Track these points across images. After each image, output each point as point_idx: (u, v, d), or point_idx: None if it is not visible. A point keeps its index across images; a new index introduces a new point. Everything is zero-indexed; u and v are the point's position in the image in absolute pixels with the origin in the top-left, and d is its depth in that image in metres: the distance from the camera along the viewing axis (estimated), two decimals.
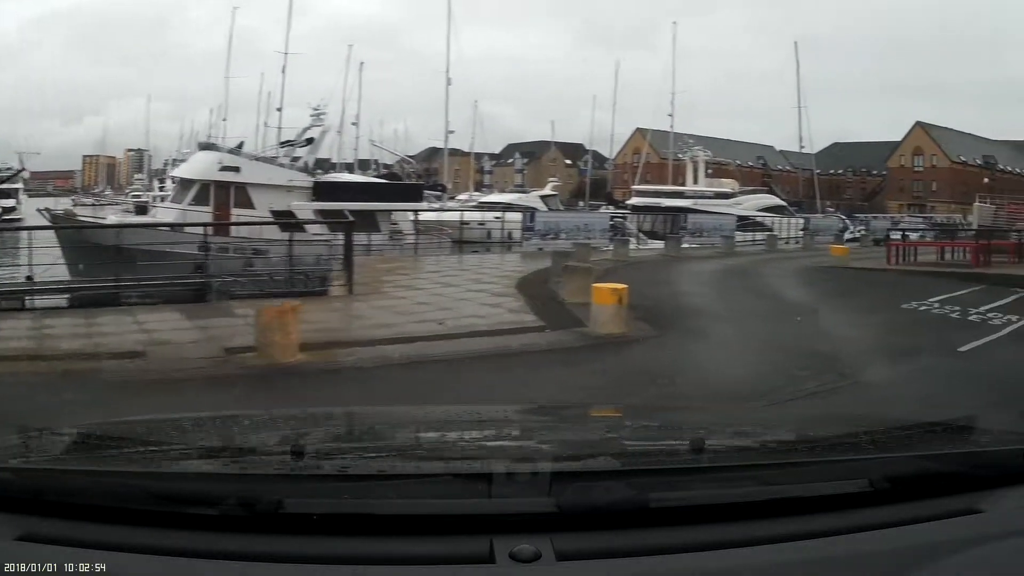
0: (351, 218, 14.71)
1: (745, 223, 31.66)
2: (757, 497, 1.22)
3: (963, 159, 78.75)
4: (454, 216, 27.43)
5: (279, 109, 40.73)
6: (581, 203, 55.72)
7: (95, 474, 1.30)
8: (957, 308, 11.70)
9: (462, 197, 43.14)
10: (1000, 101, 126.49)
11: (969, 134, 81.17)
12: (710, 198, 39.26)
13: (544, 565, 1.07)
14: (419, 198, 26.58)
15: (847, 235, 33.49)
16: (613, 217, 30.09)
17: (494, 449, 1.68)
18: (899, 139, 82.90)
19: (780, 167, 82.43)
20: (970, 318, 10.98)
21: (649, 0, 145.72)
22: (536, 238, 23.97)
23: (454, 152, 62.07)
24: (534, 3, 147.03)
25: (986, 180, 68.51)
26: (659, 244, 24.70)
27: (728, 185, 43.25)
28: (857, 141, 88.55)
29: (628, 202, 43.85)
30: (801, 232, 32.20)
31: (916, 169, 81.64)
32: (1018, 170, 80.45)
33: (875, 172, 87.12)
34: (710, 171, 46.62)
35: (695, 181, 43.87)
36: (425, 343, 8.40)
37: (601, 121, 77.04)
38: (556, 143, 79.58)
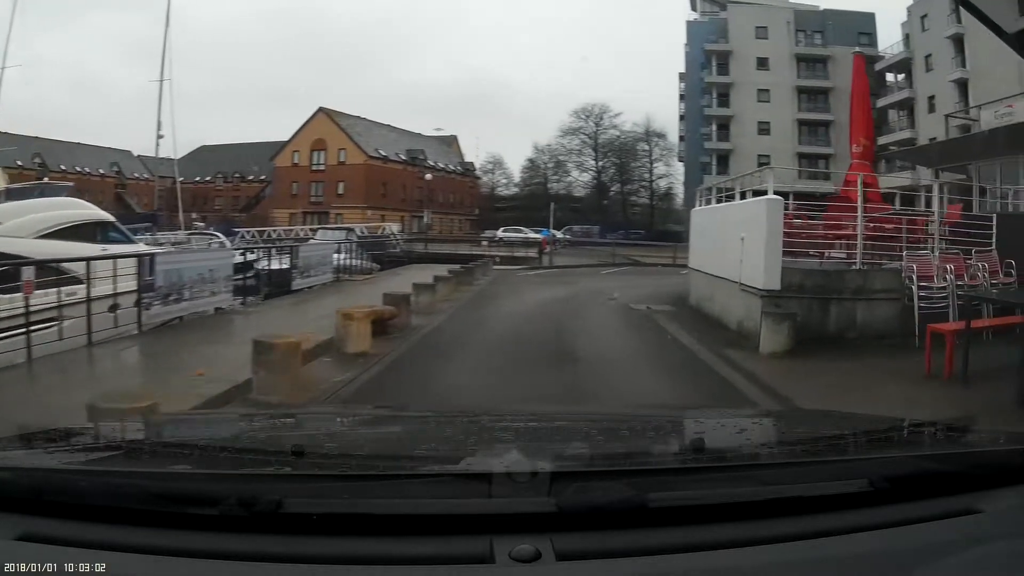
0: None
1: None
2: (757, 497, 1.22)
3: (383, 153, 61.44)
4: None
5: None
6: None
7: (95, 474, 1.30)
8: None
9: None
10: (414, 102, 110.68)
11: (387, 125, 65.05)
12: None
13: (544, 565, 1.07)
14: None
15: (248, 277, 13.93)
16: None
17: (494, 449, 1.67)
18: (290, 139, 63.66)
19: (137, 175, 70.11)
20: None
21: None
22: None
23: None
24: None
25: (428, 176, 57.33)
26: None
27: None
28: (232, 143, 73.03)
29: None
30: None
31: (316, 168, 60.98)
32: (451, 166, 69.14)
33: (251, 177, 72.23)
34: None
35: None
36: None
37: None
38: None
